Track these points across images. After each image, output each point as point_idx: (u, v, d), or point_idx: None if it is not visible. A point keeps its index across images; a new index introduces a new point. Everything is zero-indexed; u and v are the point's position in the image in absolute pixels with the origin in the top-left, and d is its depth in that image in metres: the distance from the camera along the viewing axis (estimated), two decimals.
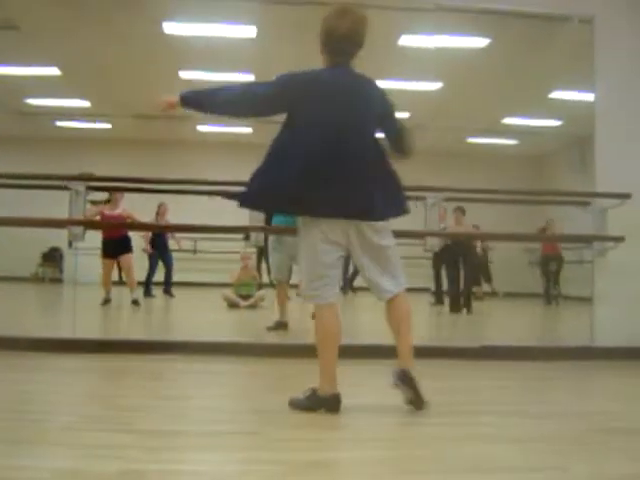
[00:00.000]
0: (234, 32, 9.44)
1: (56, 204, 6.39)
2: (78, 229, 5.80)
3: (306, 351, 5.71)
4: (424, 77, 11.36)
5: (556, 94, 11.81)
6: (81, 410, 3.65)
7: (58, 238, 12.64)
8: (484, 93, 11.85)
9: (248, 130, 15.20)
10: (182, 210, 10.12)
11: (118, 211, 9.79)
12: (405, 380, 3.66)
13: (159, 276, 12.44)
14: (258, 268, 12.98)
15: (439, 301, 11.87)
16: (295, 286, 7.07)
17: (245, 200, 3.78)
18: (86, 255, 8.83)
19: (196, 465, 2.81)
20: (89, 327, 6.68)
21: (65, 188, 5.89)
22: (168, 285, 12.47)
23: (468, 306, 10.77)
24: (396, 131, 3.92)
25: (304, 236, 3.77)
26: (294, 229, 4.11)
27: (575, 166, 12.01)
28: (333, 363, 3.73)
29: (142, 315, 9.25)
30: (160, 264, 12.34)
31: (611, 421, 3.76)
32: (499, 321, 10.79)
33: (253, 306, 10.50)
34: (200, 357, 5.54)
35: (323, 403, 3.69)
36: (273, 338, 6.81)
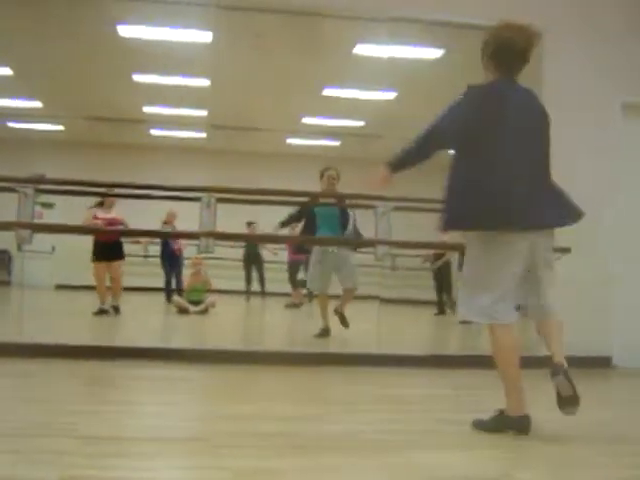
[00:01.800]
0: (189, 36, 9.38)
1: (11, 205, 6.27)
2: (25, 232, 5.74)
3: (262, 358, 5.79)
4: (379, 86, 11.41)
5: None
6: (24, 415, 3.60)
7: (6, 241, 12.41)
8: (438, 103, 11.89)
9: (202, 135, 15.12)
10: (135, 215, 9.99)
11: (112, 214, 9.52)
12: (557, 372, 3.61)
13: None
14: (248, 277, 13.31)
15: (441, 311, 12.12)
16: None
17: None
18: (35, 258, 8.68)
19: (139, 472, 2.78)
20: (37, 331, 6.57)
21: (14, 190, 5.81)
22: (179, 291, 12.50)
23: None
24: None
25: None
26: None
27: None
28: (517, 381, 3.67)
29: (92, 320, 9.12)
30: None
31: (551, 429, 3.80)
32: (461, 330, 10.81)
33: (203, 312, 10.44)
34: (154, 363, 5.49)
35: (512, 424, 3.61)
36: (233, 345, 6.81)
